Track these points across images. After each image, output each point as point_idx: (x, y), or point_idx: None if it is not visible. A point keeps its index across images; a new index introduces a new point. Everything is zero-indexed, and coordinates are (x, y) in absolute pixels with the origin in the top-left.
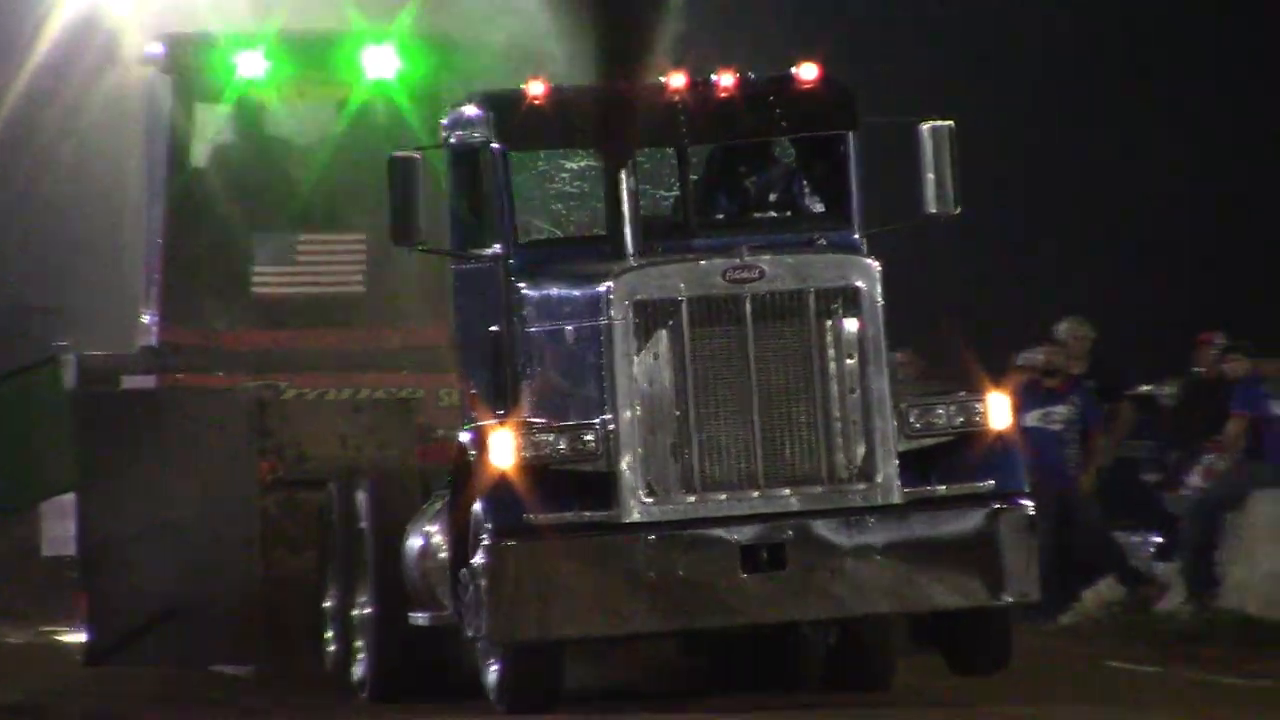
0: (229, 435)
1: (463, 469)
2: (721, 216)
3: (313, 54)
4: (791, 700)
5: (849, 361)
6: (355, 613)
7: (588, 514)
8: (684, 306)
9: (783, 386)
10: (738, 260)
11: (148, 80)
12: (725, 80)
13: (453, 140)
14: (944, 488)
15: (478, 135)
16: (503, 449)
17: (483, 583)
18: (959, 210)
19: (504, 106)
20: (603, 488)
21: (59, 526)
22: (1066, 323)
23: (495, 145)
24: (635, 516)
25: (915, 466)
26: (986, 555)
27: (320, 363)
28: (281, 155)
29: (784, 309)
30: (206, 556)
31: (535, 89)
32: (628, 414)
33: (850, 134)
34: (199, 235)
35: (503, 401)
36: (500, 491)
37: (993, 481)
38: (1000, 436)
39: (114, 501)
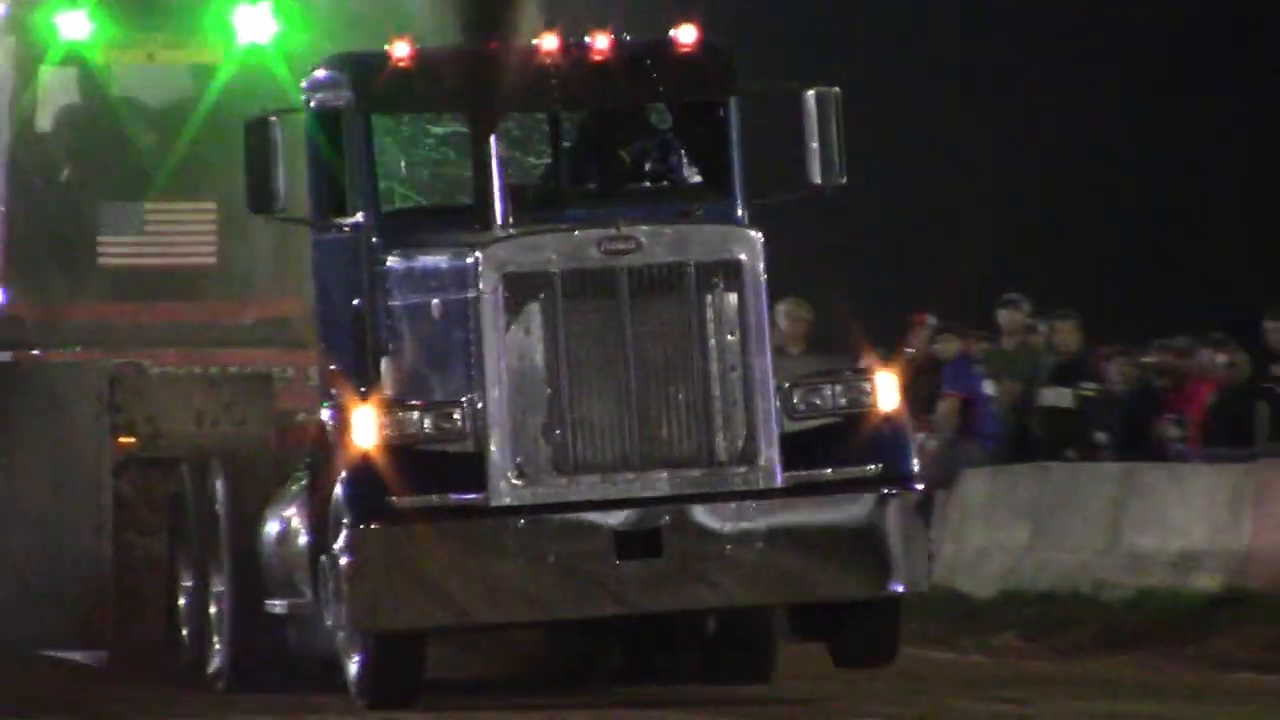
0: (79, 411)
1: (323, 449)
2: (595, 186)
3: (168, 14)
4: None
5: (730, 338)
6: (211, 599)
7: (454, 497)
8: (556, 279)
9: (660, 364)
10: (613, 231)
11: None
12: (600, 43)
13: (313, 103)
14: (829, 471)
15: (339, 98)
16: (365, 428)
17: (343, 570)
18: (845, 180)
19: (366, 68)
20: (471, 469)
21: None
22: (784, 303)
23: (356, 109)
24: (505, 500)
25: (799, 449)
26: (874, 543)
27: (175, 337)
28: (129, 121)
29: (662, 283)
30: (56, 538)
31: (399, 50)
32: (496, 392)
33: (730, 100)
34: (42, 204)
35: (365, 379)
36: (362, 473)
37: (880, 465)
38: (888, 418)
39: None
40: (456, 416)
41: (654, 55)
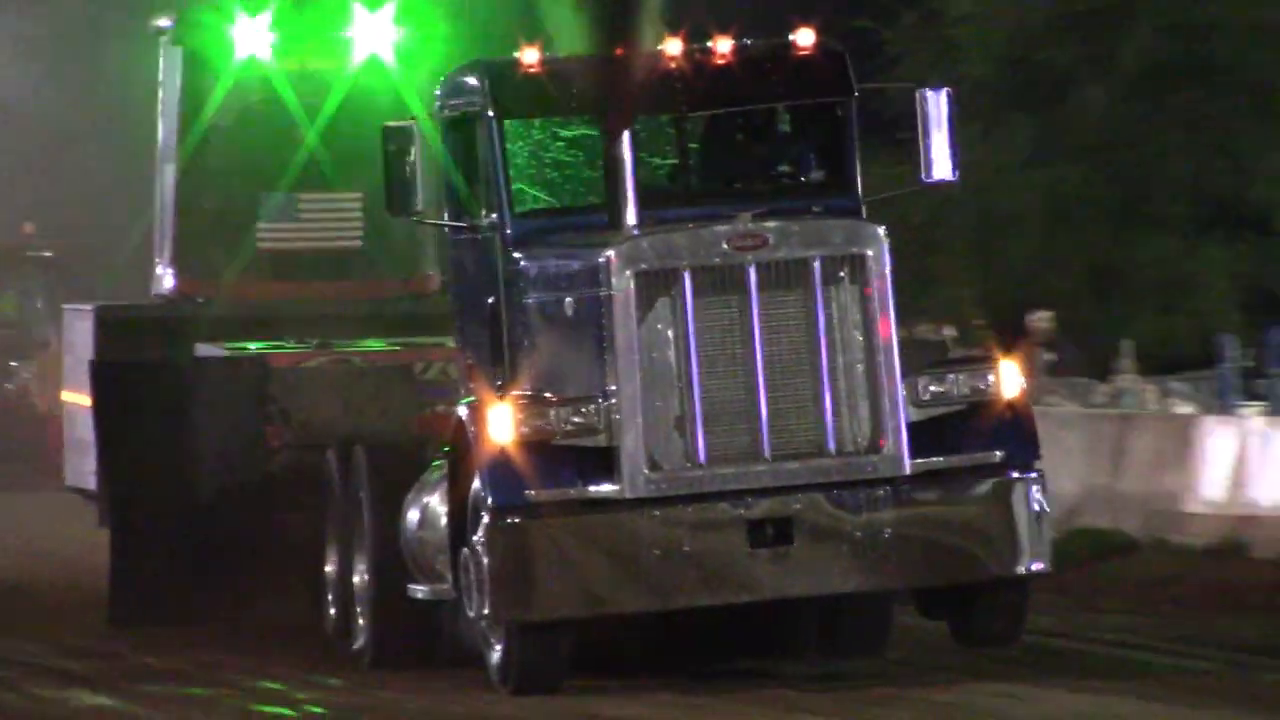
0: (240, 403)
1: (461, 443)
2: (719, 184)
3: (315, 22)
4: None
5: (856, 330)
6: (355, 580)
7: (590, 489)
8: (686, 276)
9: (788, 357)
10: (741, 228)
11: (159, 50)
12: (722, 47)
13: (447, 109)
14: (955, 458)
15: (472, 104)
16: (502, 424)
17: (484, 562)
18: (957, 176)
19: (498, 74)
20: (605, 462)
21: (81, 461)
22: None
23: (490, 114)
24: (639, 492)
25: (926, 437)
26: (1001, 526)
27: (333, 320)
28: (284, 120)
29: (789, 277)
30: (217, 519)
31: (529, 56)
32: (630, 386)
33: (848, 100)
34: (208, 194)
35: (500, 374)
36: (500, 468)
37: (1004, 451)
38: (1011, 405)
39: (134, 465)
40: (591, 411)
41: (774, 58)
